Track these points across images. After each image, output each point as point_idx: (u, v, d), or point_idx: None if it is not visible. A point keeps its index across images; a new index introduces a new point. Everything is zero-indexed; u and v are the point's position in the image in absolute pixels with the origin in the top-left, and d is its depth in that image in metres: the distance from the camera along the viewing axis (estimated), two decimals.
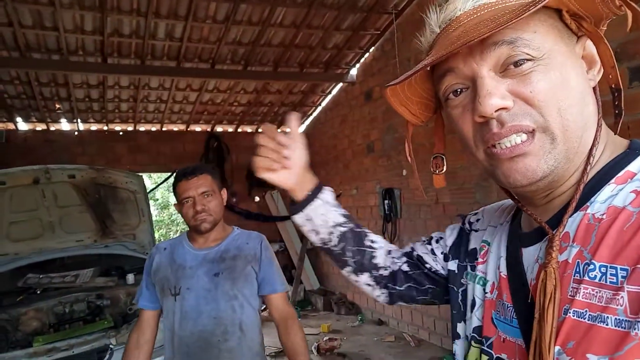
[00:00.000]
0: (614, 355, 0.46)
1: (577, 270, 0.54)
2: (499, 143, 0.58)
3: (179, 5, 5.09)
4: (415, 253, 0.93)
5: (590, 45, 0.60)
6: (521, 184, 0.58)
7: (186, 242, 1.94)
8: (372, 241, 0.95)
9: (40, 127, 7.42)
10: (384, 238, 4.95)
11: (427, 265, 0.90)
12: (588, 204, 0.57)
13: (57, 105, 6.98)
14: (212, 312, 1.79)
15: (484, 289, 0.73)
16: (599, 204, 0.55)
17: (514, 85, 0.56)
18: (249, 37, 5.88)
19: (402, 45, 5.60)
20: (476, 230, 0.83)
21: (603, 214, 0.54)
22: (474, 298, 0.75)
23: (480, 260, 0.77)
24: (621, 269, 0.49)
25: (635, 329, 0.45)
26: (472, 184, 4.59)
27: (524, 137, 0.56)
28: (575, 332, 0.51)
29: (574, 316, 0.52)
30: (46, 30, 5.13)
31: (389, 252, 0.96)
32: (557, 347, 0.53)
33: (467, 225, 0.86)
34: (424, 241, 0.94)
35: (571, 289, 0.54)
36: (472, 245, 0.81)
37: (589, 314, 0.50)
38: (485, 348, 0.67)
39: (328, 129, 7.84)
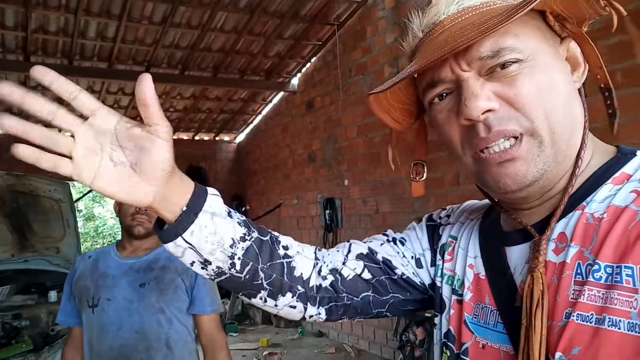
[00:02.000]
0: None
1: (579, 271, 0.51)
2: (487, 148, 0.56)
3: (112, 4, 4.82)
4: (379, 256, 0.76)
5: (573, 47, 0.59)
6: (511, 189, 0.56)
7: (113, 251, 1.79)
8: (285, 247, 0.73)
9: None
10: (325, 248, 4.90)
11: (397, 271, 0.76)
12: (584, 203, 0.55)
13: None
14: (134, 326, 1.65)
15: (453, 289, 0.70)
16: (597, 204, 0.54)
17: (499, 87, 0.55)
18: (187, 41, 5.69)
19: (343, 56, 5.65)
20: (445, 225, 0.79)
21: (603, 214, 0.52)
22: (442, 299, 0.71)
23: (447, 257, 0.73)
24: (627, 268, 0.47)
25: None
26: (411, 194, 4.68)
27: (512, 141, 0.55)
28: (581, 337, 0.48)
29: (578, 320, 0.49)
30: None
31: (316, 257, 0.78)
32: (558, 354, 0.50)
33: (439, 220, 0.81)
34: (388, 240, 0.79)
35: (573, 292, 0.51)
36: (442, 241, 0.77)
37: (596, 317, 0.48)
38: (461, 355, 0.64)
39: (269, 138, 7.75)
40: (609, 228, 0.51)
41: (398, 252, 0.77)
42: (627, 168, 0.55)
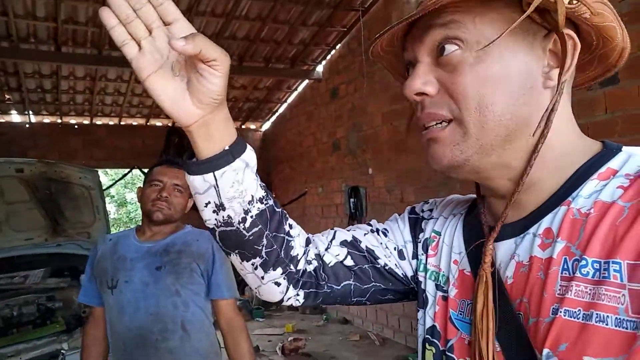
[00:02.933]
0: (618, 357, 0.44)
1: (565, 267, 0.51)
2: (424, 126, 0.60)
3: None
4: (363, 244, 0.75)
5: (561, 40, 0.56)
6: (434, 167, 0.60)
7: (133, 235, 1.85)
8: (291, 226, 0.72)
9: None
10: None
11: (380, 261, 0.75)
12: (570, 199, 0.54)
13: (7, 96, 6.61)
14: (150, 308, 1.69)
15: (437, 285, 0.69)
16: (583, 199, 0.53)
17: (443, 75, 0.57)
18: (212, 29, 5.72)
19: (368, 43, 5.58)
20: (429, 219, 0.78)
21: (590, 209, 0.52)
22: (426, 295, 0.71)
23: (431, 252, 0.73)
24: (614, 263, 0.47)
25: None
26: (437, 182, 4.62)
27: (443, 125, 0.58)
28: (568, 333, 0.48)
29: (565, 316, 0.49)
30: None
31: (308, 240, 0.76)
32: (545, 350, 0.49)
33: (421, 214, 0.80)
34: (371, 230, 0.78)
35: (560, 287, 0.50)
36: (425, 235, 0.76)
37: (584, 313, 0.47)
38: (447, 352, 0.63)
39: (293, 126, 7.76)
40: (596, 224, 0.50)
41: (381, 243, 0.76)
42: (613, 163, 0.54)
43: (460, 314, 0.63)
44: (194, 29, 0.55)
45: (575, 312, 0.48)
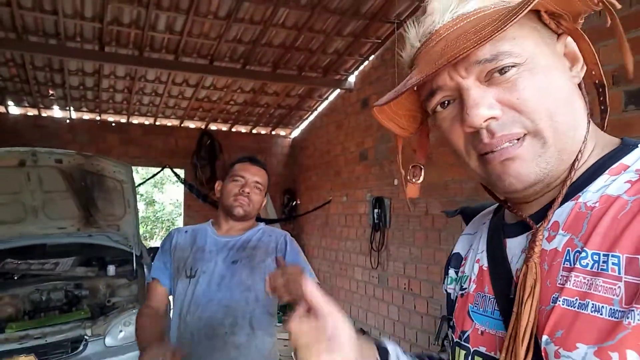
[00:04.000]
0: (604, 344, 0.45)
1: (567, 258, 0.53)
2: (492, 152, 0.58)
3: None
4: None
5: (571, 42, 0.60)
6: (516, 187, 0.58)
7: (210, 228, 1.91)
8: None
9: (32, 112, 7.32)
10: (371, 246, 4.84)
11: None
12: (580, 193, 0.56)
13: (51, 91, 6.89)
14: (223, 300, 1.73)
15: (460, 287, 0.73)
16: (591, 193, 0.55)
17: (501, 93, 0.56)
18: (249, 36, 5.86)
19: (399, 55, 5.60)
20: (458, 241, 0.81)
21: (595, 202, 0.53)
22: (452, 300, 0.74)
23: (463, 262, 0.77)
24: (613, 256, 0.48)
25: (628, 318, 0.45)
26: (464, 197, 4.58)
27: (515, 142, 0.56)
28: (565, 320, 0.50)
29: (563, 304, 0.51)
30: (45, 13, 5.06)
31: None
32: (544, 337, 0.52)
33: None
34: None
35: (560, 277, 0.53)
36: (456, 250, 0.79)
37: (579, 302, 0.49)
38: (462, 342, 0.66)
39: (323, 134, 7.82)
40: (599, 217, 0.52)
41: None
42: (627, 159, 0.56)
43: (476, 306, 0.66)
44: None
45: (572, 301, 0.50)
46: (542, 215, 0.59)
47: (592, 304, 0.48)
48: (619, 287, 0.47)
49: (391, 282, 5.72)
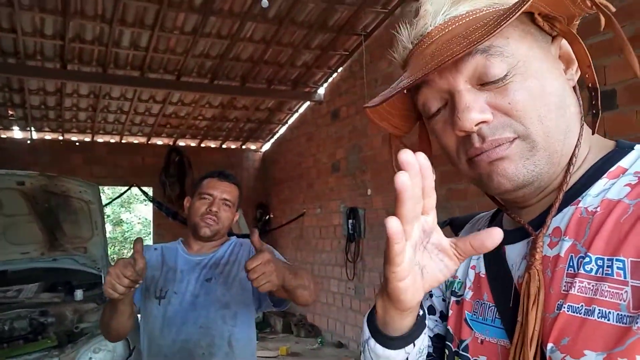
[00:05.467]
0: (613, 350, 0.44)
1: (571, 264, 0.52)
2: (481, 153, 0.57)
3: (145, 14, 4.98)
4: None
5: (565, 44, 0.59)
6: (506, 187, 0.57)
7: (180, 247, 1.83)
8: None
9: None
10: (346, 257, 4.81)
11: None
12: (580, 198, 0.56)
13: (10, 112, 6.66)
14: (199, 320, 1.66)
15: (452, 292, 0.71)
16: (591, 198, 0.54)
17: (492, 97, 0.55)
18: (217, 51, 5.82)
19: (370, 66, 5.68)
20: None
21: (597, 207, 0.53)
22: (448, 304, 0.73)
23: None
24: (618, 261, 0.47)
25: (637, 323, 0.44)
26: (437, 205, 4.62)
27: (506, 144, 0.56)
28: (570, 327, 0.49)
29: (568, 311, 0.50)
30: (3, 31, 4.91)
31: None
32: (549, 345, 0.51)
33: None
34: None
35: (565, 284, 0.52)
36: None
37: (585, 308, 0.48)
38: (461, 352, 0.64)
39: (294, 147, 7.81)
40: (601, 221, 0.51)
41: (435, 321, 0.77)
42: (624, 162, 0.55)
43: (474, 314, 0.64)
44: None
45: (578, 307, 0.49)
46: (541, 221, 0.59)
47: (599, 309, 0.47)
48: (626, 291, 0.46)
49: (368, 292, 5.70)
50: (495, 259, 0.64)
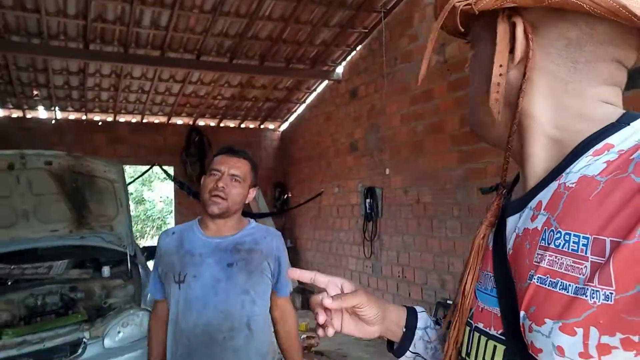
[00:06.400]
0: (570, 320, 0.48)
1: (544, 237, 0.54)
2: None
3: None
4: None
5: None
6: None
7: (197, 228, 1.80)
8: None
9: (16, 114, 7.20)
10: (364, 236, 4.86)
11: None
12: (563, 174, 0.57)
13: (35, 92, 6.79)
14: (219, 305, 1.67)
15: None
16: (572, 174, 0.56)
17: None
18: (236, 29, 5.81)
19: (389, 44, 5.60)
20: None
21: (573, 183, 0.54)
22: None
23: None
24: (584, 238, 0.49)
25: (593, 298, 0.46)
26: (454, 184, 4.62)
27: None
28: (537, 297, 0.52)
29: (537, 282, 0.53)
30: (27, 12, 4.97)
31: None
32: (522, 312, 0.54)
33: None
34: None
35: (537, 255, 0.54)
36: None
37: (550, 280, 0.51)
38: (469, 319, 0.68)
39: (312, 126, 7.81)
40: (573, 197, 0.53)
41: None
42: (613, 139, 0.55)
43: (480, 284, 0.67)
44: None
45: (544, 278, 0.52)
46: (532, 194, 0.61)
47: (561, 282, 0.50)
48: (586, 266, 0.48)
49: (385, 270, 5.76)
50: (498, 231, 0.66)
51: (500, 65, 0.59)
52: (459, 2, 0.57)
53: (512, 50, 0.59)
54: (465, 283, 0.67)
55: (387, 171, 5.67)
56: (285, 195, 8.57)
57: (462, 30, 0.63)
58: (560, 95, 0.59)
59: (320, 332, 0.75)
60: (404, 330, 0.81)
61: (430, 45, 0.62)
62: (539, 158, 0.61)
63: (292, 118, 8.65)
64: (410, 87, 5.26)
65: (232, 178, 1.72)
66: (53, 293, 3.59)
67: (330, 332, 0.74)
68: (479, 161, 4.28)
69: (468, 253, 0.69)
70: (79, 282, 3.75)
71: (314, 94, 7.79)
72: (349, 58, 6.66)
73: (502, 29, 0.59)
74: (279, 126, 9.02)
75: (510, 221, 0.64)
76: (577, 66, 0.58)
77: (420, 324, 0.81)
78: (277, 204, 8.51)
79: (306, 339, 5.14)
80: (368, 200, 5.85)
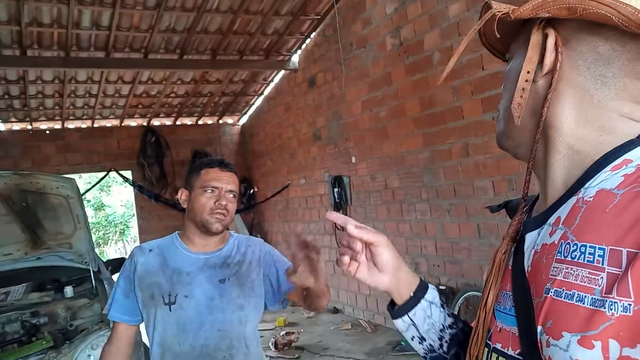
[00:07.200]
0: (587, 333, 0.47)
1: (560, 250, 0.55)
2: None
3: None
4: None
5: None
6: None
7: (180, 244, 1.71)
8: None
9: None
10: (334, 226, 4.89)
11: None
12: (582, 189, 0.58)
13: None
14: (216, 324, 1.60)
15: None
16: (590, 189, 0.57)
17: None
18: (183, 24, 5.58)
19: (343, 29, 5.52)
20: None
21: (591, 197, 0.55)
22: None
23: None
24: (600, 249, 0.50)
25: (611, 310, 0.46)
26: (420, 168, 4.62)
27: None
28: (554, 310, 0.52)
29: (554, 295, 0.53)
30: None
31: None
32: (539, 327, 0.54)
33: None
34: None
35: (553, 269, 0.55)
36: None
37: (566, 292, 0.51)
38: (487, 341, 0.68)
39: (272, 118, 7.67)
40: (591, 210, 0.54)
41: None
42: (631, 154, 0.56)
43: (498, 304, 0.67)
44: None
45: (560, 291, 0.52)
46: (551, 211, 0.62)
47: (577, 294, 0.50)
48: (602, 277, 0.48)
49: None
50: (517, 248, 0.66)
51: (528, 72, 0.60)
52: (498, 11, 0.60)
53: (541, 61, 0.60)
54: (488, 297, 0.66)
55: (354, 159, 5.63)
56: (251, 190, 8.43)
57: (498, 36, 0.63)
58: (585, 107, 0.60)
59: (345, 259, 0.78)
60: (411, 295, 0.80)
61: (462, 46, 0.64)
62: (559, 168, 0.62)
63: (251, 111, 8.48)
64: (368, 72, 5.21)
65: (231, 193, 1.70)
66: (12, 321, 3.38)
67: (354, 266, 0.78)
68: (443, 143, 4.29)
69: (488, 267, 0.68)
70: (40, 306, 3.54)
71: (271, 85, 7.65)
72: (304, 46, 6.54)
73: (534, 39, 0.60)
74: (238, 120, 8.82)
75: (529, 237, 0.64)
76: (604, 80, 0.58)
77: (428, 297, 0.81)
78: (243, 199, 8.36)
79: (285, 335, 5.09)
80: (336, 189, 5.81)
